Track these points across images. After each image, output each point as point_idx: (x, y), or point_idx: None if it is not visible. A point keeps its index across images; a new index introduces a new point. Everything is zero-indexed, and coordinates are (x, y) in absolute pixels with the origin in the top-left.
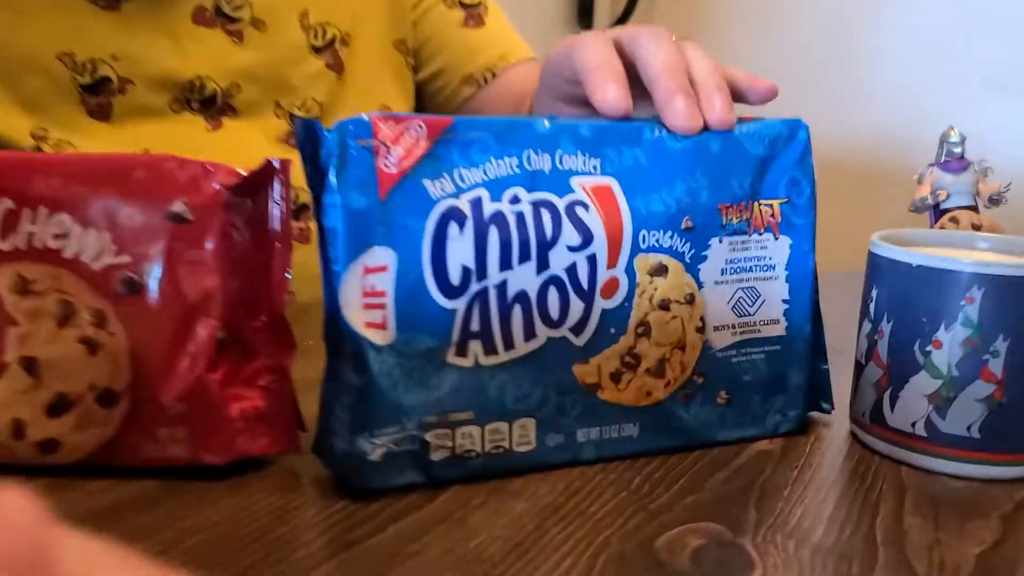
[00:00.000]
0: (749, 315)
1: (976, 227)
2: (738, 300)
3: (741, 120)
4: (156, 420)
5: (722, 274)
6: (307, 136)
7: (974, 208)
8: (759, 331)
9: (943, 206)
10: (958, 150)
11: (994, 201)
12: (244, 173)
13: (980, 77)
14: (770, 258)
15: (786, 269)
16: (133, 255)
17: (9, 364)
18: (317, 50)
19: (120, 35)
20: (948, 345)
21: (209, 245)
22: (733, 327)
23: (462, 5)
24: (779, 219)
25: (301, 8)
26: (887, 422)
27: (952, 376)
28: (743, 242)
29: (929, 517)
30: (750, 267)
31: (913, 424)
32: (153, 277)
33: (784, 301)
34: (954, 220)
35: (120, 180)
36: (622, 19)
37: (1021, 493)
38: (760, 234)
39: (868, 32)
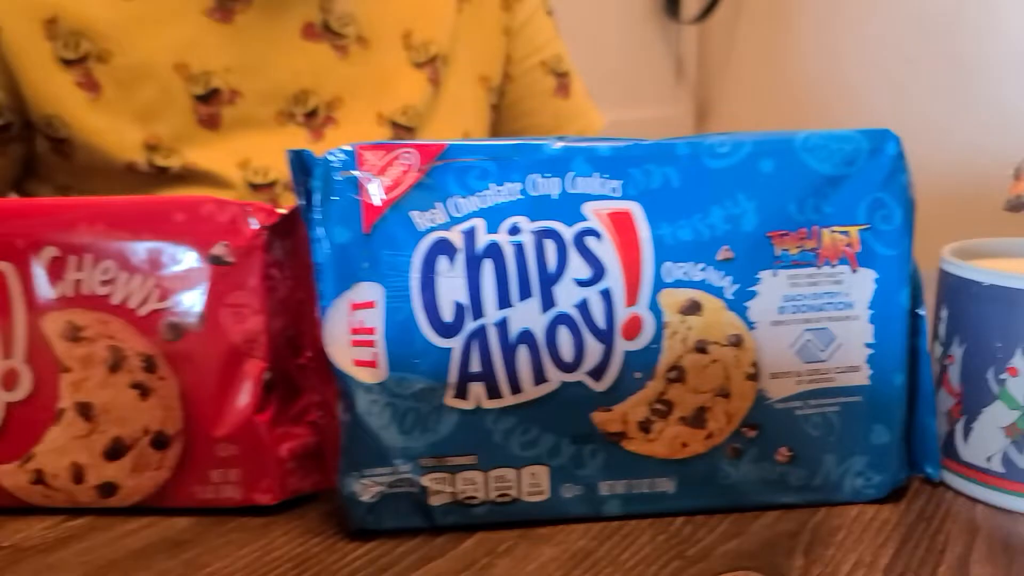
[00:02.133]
0: (820, 360)
1: None
2: (805, 343)
3: (804, 133)
4: (208, 462)
5: (781, 312)
6: (299, 168)
7: None
8: (833, 380)
9: None
10: None
11: None
12: (283, 211)
13: None
14: (847, 295)
15: (870, 308)
16: (177, 300)
17: (65, 410)
18: (418, 65)
19: (233, 48)
20: None
21: (251, 286)
22: (798, 374)
23: (555, 74)
24: (858, 249)
25: (405, 28)
26: (960, 455)
27: None
28: (810, 276)
29: (1000, 566)
30: (820, 305)
31: (988, 459)
32: (197, 321)
33: (868, 345)
34: None
35: (161, 224)
36: (710, 9)
37: None
38: (832, 266)
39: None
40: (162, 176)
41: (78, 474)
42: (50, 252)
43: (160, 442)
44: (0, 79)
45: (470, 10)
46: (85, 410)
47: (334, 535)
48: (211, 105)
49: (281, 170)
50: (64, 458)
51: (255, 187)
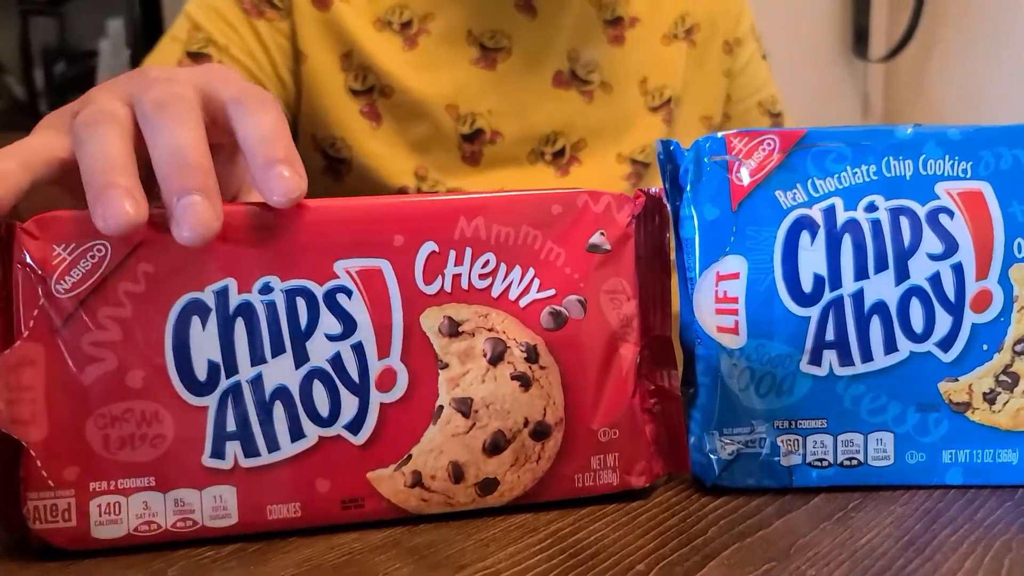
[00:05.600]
0: None
1: None
2: None
3: None
4: (589, 449)
5: None
6: (667, 156)
7: None
8: None
9: None
10: None
11: None
12: (641, 202)
13: None
14: None
15: None
16: (557, 288)
17: (443, 407)
18: (654, 109)
19: (494, 92)
20: None
21: (625, 272)
22: None
23: (770, 114)
24: None
25: (642, 75)
26: None
27: None
28: None
29: None
30: None
31: None
32: (579, 309)
33: None
34: None
35: (539, 216)
36: (900, 47)
37: None
38: None
39: None
40: None
41: (458, 472)
42: (428, 248)
43: (540, 432)
44: (290, 98)
45: (695, 54)
46: (464, 406)
47: (689, 489)
48: (474, 144)
49: None
50: (443, 457)
51: None
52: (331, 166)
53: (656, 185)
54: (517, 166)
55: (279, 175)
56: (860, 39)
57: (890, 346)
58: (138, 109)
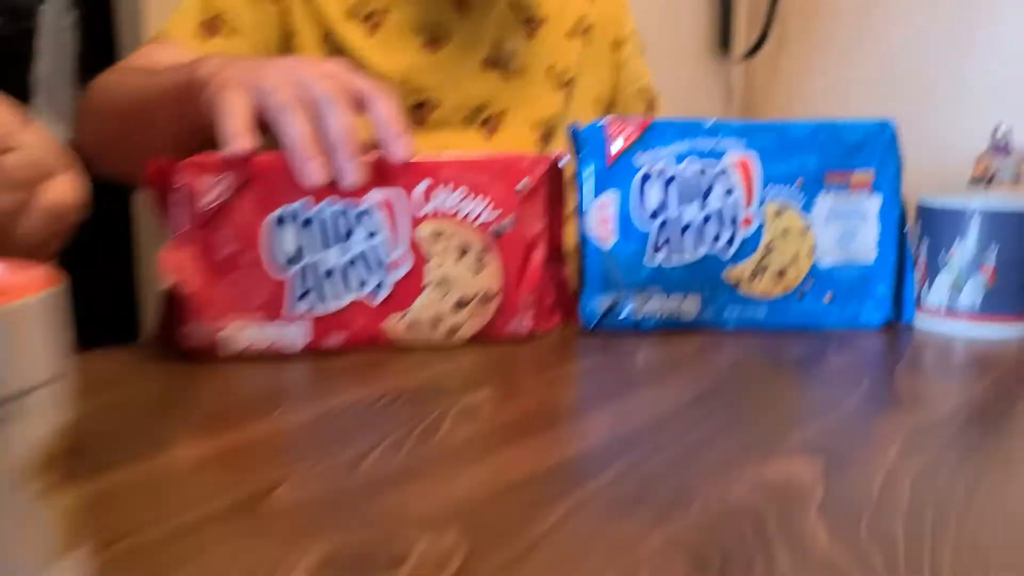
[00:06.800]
0: (849, 245)
1: None
2: (842, 235)
3: (844, 119)
4: (515, 308)
5: (828, 217)
6: (572, 133)
7: None
8: (856, 256)
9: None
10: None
11: None
12: (551, 162)
13: None
14: (865, 209)
15: (878, 217)
16: (500, 213)
17: (430, 283)
18: (558, 87)
19: (437, 72)
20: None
21: (539, 204)
22: (837, 251)
23: (646, 100)
24: (872, 182)
25: (549, 63)
26: (924, 305)
27: None
28: (845, 198)
29: (929, 363)
30: (849, 214)
31: (939, 305)
32: (511, 225)
33: (876, 238)
34: None
35: (491, 169)
36: (756, 48)
37: None
38: (857, 192)
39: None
40: None
41: (435, 322)
42: (424, 183)
43: (487, 298)
44: None
45: (589, 50)
46: (442, 281)
47: (578, 332)
48: (421, 111)
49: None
50: (427, 312)
51: None
52: None
53: (559, 147)
54: (453, 129)
55: (401, 142)
56: (724, 40)
57: (697, 246)
58: (314, 96)
